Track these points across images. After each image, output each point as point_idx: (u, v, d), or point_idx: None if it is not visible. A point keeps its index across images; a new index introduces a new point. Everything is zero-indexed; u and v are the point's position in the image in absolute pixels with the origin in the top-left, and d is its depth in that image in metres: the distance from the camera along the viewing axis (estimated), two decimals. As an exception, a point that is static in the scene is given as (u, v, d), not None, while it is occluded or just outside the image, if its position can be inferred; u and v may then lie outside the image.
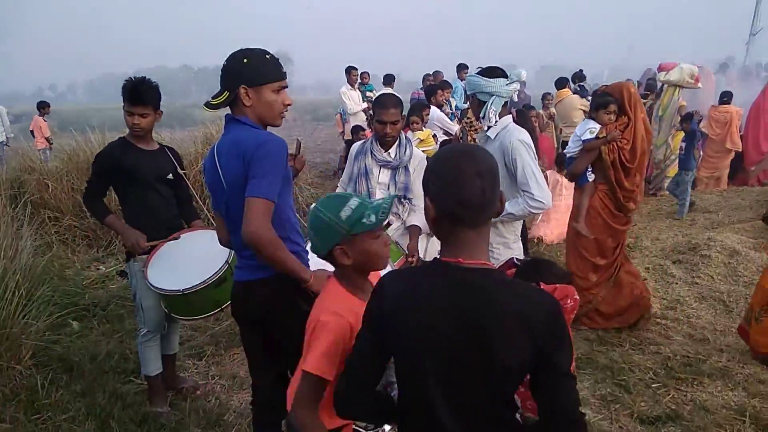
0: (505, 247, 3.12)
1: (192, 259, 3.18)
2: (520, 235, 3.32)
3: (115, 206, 4.18)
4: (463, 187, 1.32)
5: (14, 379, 3.45)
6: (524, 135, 3.16)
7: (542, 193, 3.05)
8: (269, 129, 2.29)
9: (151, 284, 3.08)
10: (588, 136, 4.34)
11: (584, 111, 9.45)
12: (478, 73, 3.10)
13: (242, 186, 2.12)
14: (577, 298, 2.32)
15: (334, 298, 1.73)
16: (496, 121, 3.14)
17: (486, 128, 3.19)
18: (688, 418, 3.29)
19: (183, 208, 3.53)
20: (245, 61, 2.16)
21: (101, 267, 5.91)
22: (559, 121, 9.82)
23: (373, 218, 1.66)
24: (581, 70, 10.77)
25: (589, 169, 4.42)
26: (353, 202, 1.66)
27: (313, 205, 1.73)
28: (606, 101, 4.37)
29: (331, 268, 2.49)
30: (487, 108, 3.02)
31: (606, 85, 5.65)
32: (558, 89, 10.00)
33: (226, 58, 2.20)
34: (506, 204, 2.99)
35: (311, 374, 1.60)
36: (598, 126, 4.35)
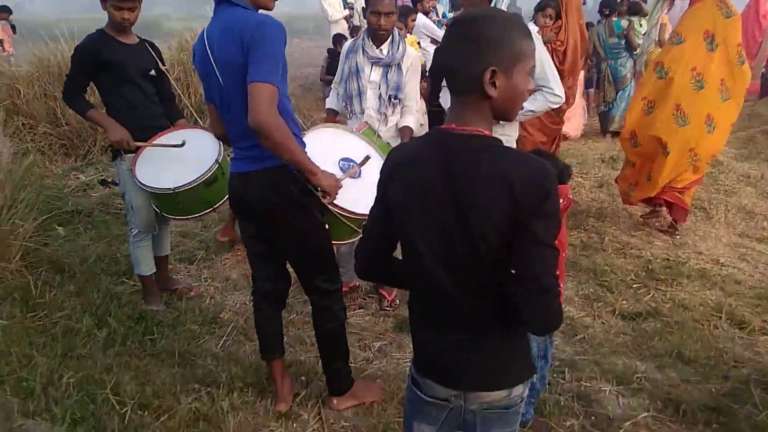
0: (507, 142, 3.09)
1: (181, 157, 3.12)
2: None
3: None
4: (442, 47, 1.35)
5: (6, 279, 3.42)
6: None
7: (560, 89, 3.01)
8: None
9: (140, 182, 3.02)
10: None
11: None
12: None
13: (238, 72, 2.04)
14: (571, 197, 2.36)
15: None
16: None
17: None
18: (667, 314, 3.45)
19: (166, 107, 3.42)
20: None
21: (81, 176, 5.78)
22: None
23: None
24: None
25: None
26: None
27: None
28: (544, 4, 4.84)
29: (335, 170, 2.47)
30: (496, 3, 2.90)
31: None
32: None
33: None
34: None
35: None
36: (536, 28, 4.72)
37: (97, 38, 3.11)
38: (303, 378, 2.84)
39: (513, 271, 1.28)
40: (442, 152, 1.33)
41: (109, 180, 5.00)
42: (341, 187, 2.35)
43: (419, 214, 1.36)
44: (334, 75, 3.57)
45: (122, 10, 3.02)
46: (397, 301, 3.52)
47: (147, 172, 3.05)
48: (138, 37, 3.26)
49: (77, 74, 3.13)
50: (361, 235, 1.62)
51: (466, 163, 1.29)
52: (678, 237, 4.55)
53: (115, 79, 3.11)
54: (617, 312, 3.51)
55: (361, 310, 3.50)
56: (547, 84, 2.97)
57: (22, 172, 4.54)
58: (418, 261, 1.39)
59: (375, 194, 1.50)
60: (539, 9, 4.84)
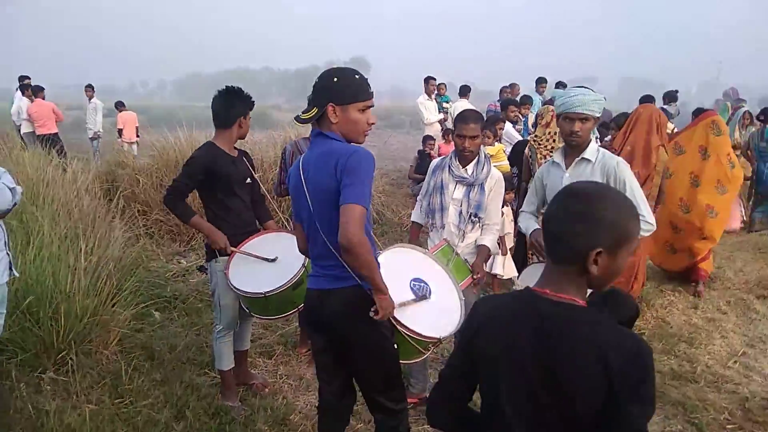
0: None
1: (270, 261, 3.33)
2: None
3: (197, 206, 4.41)
4: (546, 220, 1.39)
5: (101, 363, 3.70)
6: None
7: (651, 216, 2.98)
8: None
9: (234, 287, 3.23)
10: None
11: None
12: (585, 88, 3.00)
13: (328, 196, 2.23)
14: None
15: None
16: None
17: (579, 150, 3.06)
18: (766, 466, 3.13)
19: (257, 209, 3.69)
20: (335, 80, 2.26)
21: (182, 261, 6.22)
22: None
23: None
24: (676, 91, 10.35)
25: None
26: None
27: None
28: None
29: (399, 296, 2.54)
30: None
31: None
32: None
33: (318, 76, 2.31)
34: None
35: None
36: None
37: (209, 150, 3.40)
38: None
39: None
40: (537, 317, 1.36)
41: (206, 267, 5.39)
42: (392, 312, 2.37)
43: (508, 373, 1.38)
44: (422, 173, 3.70)
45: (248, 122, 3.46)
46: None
47: (239, 277, 3.27)
48: (236, 149, 3.58)
49: (187, 182, 3.36)
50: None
51: (563, 334, 1.31)
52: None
53: (220, 189, 3.39)
54: (707, 456, 3.23)
55: (428, 428, 3.44)
56: (640, 211, 2.94)
57: (132, 258, 4.99)
58: (501, 420, 1.40)
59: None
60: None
